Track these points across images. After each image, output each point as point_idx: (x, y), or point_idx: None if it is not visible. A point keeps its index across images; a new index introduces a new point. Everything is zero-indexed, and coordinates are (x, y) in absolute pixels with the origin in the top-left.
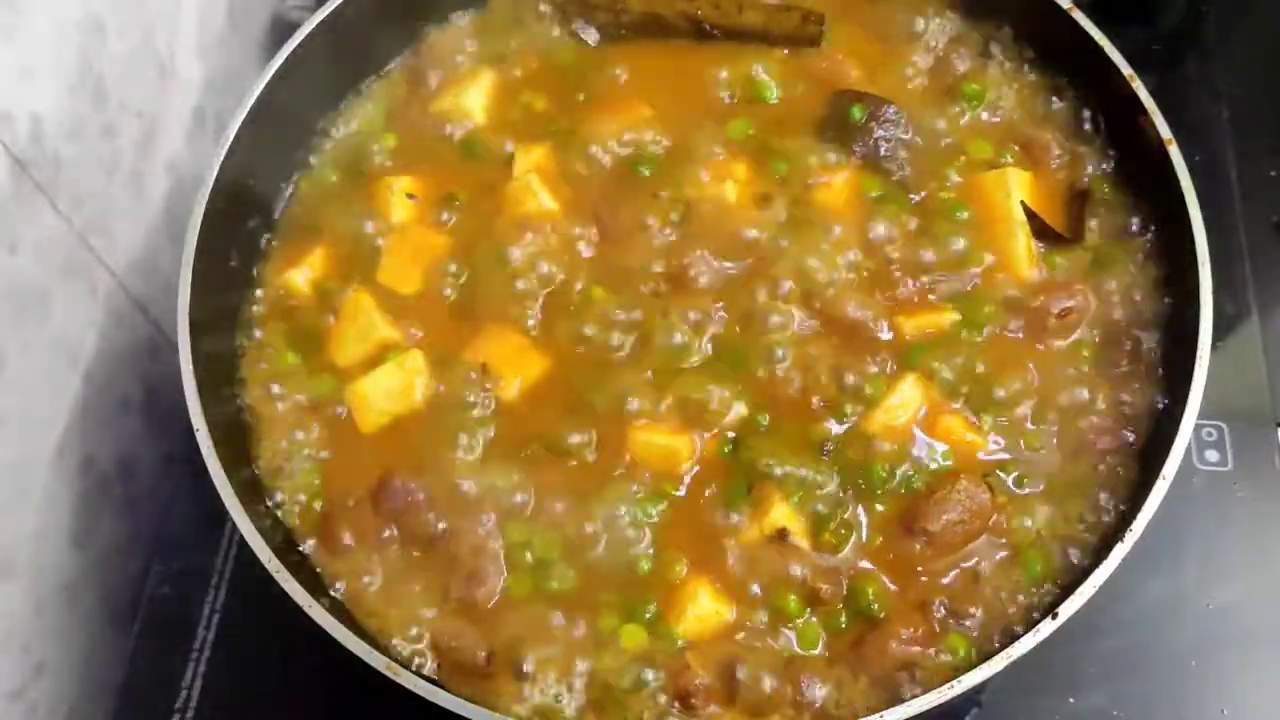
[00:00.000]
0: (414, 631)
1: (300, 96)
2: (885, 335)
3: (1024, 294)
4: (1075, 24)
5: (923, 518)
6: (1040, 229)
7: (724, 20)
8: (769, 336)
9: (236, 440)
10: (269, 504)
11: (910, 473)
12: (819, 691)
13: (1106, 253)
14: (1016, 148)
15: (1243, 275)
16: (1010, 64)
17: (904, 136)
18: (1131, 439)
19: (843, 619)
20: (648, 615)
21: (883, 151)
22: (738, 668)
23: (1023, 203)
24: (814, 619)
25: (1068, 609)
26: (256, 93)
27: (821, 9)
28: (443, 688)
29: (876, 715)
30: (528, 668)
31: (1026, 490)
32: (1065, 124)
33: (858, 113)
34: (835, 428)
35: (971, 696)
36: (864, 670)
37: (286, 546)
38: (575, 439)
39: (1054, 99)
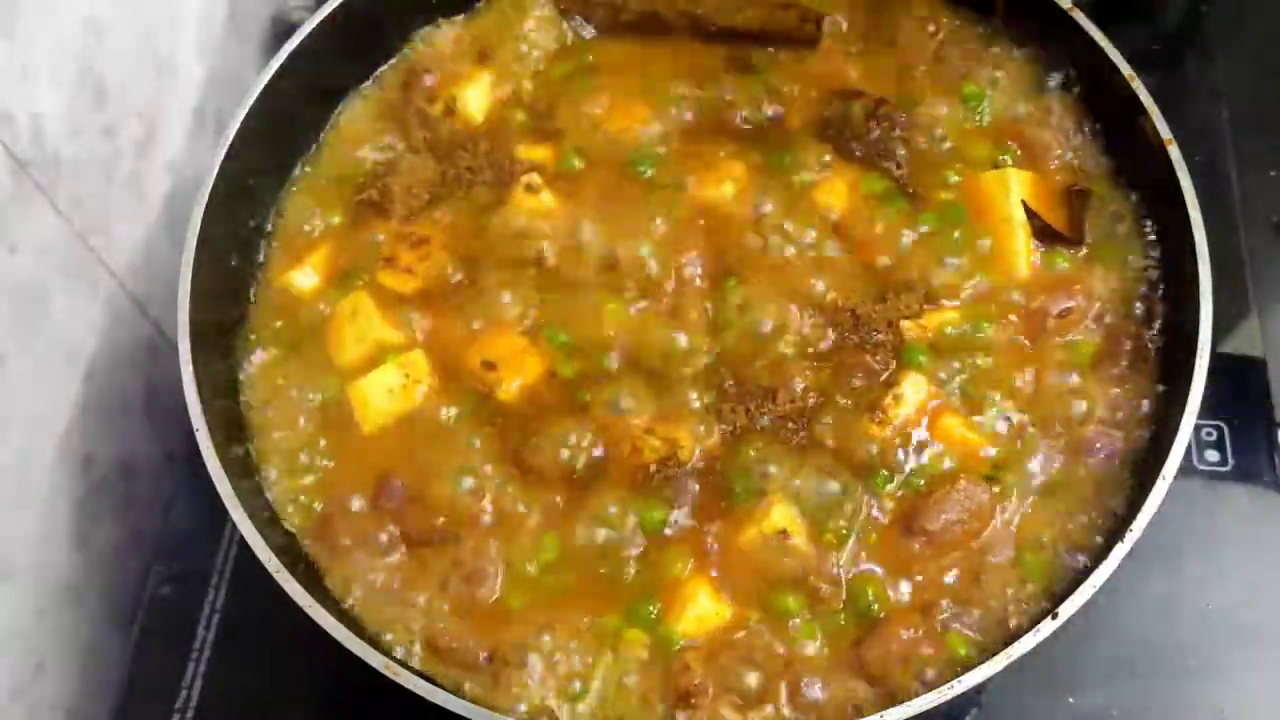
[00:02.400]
0: (413, 631)
1: (300, 97)
2: (885, 335)
3: (1024, 294)
4: (1075, 24)
5: (922, 517)
6: (1041, 229)
7: (723, 18)
8: (768, 337)
9: (237, 441)
10: (269, 504)
11: (910, 472)
12: (819, 692)
13: (1106, 253)
14: (1016, 147)
15: (1243, 275)
16: (1009, 64)
17: (903, 136)
18: (1131, 439)
19: (842, 619)
20: (648, 615)
21: (881, 151)
22: (737, 668)
23: (1023, 202)
24: (813, 619)
25: (1068, 609)
26: (256, 93)
27: (822, 9)
28: (443, 688)
29: (877, 715)
30: (527, 669)
31: (1026, 490)
32: (1065, 124)
33: (857, 112)
34: (835, 428)
35: (971, 696)
36: (864, 670)
37: (286, 546)
38: (573, 439)
39: (1054, 99)
